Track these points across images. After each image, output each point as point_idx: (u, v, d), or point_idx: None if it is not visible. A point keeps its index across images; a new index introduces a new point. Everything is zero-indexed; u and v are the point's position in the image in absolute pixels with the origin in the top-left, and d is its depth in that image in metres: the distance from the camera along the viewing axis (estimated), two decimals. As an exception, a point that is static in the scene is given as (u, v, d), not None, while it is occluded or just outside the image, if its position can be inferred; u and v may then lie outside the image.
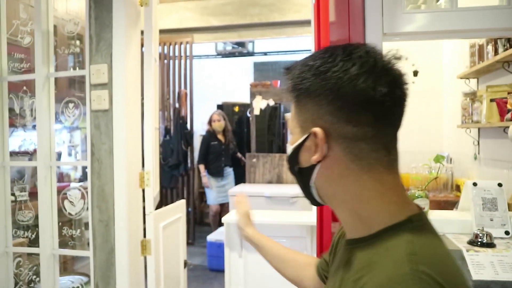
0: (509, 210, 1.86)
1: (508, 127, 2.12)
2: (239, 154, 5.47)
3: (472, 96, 2.79)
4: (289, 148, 0.71)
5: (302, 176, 0.70)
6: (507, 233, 1.58)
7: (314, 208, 2.18)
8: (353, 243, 0.67)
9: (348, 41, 1.53)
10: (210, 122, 5.11)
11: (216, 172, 5.03)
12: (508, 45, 2.21)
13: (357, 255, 0.65)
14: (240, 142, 5.84)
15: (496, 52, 2.35)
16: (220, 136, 5.09)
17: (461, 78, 2.95)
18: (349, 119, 0.62)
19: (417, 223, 0.62)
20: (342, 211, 0.68)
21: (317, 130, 0.64)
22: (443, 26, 1.45)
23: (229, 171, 5.18)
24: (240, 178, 5.21)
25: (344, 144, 0.63)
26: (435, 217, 1.70)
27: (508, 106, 2.19)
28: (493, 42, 2.40)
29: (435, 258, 0.58)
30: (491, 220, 1.59)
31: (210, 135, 5.12)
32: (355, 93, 0.61)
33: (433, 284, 0.53)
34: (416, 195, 1.73)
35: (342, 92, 0.61)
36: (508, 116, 2.17)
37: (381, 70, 0.62)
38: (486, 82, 2.75)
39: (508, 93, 2.23)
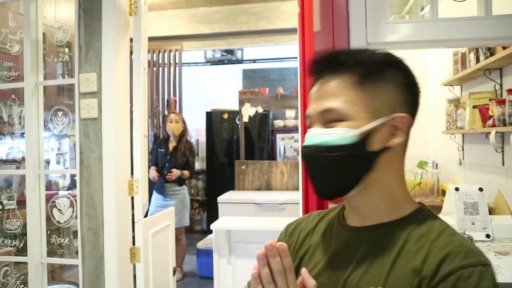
0: (493, 213, 1.91)
1: (490, 133, 2.18)
2: (185, 172, 4.02)
3: (456, 103, 2.85)
4: (351, 132, 0.69)
5: (366, 160, 0.70)
6: (488, 236, 1.62)
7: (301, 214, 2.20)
8: (388, 225, 0.72)
9: (333, 49, 1.57)
10: (164, 123, 4.12)
11: (158, 188, 4.02)
12: (488, 53, 2.28)
13: (400, 232, 0.70)
14: (229, 149, 5.84)
15: (477, 60, 2.42)
16: (170, 143, 4.05)
17: (445, 85, 3.01)
18: (414, 111, 0.75)
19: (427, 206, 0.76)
20: (377, 196, 0.73)
21: (406, 115, 0.71)
22: (425, 36, 1.50)
23: (178, 191, 4.05)
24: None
25: (408, 131, 0.73)
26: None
27: (490, 113, 2.25)
28: (474, 51, 2.46)
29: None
30: (473, 223, 1.63)
31: (159, 141, 4.23)
32: (418, 90, 0.75)
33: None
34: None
35: (415, 86, 0.75)
36: (490, 122, 2.22)
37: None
38: (469, 89, 2.81)
39: (490, 100, 2.29)
